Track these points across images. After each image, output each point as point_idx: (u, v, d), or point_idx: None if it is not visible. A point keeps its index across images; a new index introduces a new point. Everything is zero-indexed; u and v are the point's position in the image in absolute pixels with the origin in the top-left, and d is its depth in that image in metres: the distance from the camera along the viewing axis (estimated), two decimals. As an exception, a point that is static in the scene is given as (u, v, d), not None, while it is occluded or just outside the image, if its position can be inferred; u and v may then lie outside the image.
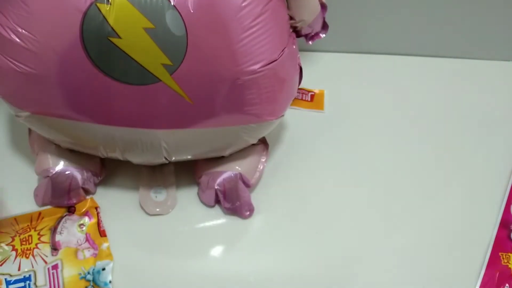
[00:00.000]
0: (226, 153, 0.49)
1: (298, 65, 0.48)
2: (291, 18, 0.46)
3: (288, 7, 0.46)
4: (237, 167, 0.50)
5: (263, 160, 0.52)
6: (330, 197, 0.53)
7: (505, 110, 0.63)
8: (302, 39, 0.51)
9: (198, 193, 0.52)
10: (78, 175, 0.48)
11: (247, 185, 0.50)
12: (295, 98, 0.50)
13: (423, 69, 0.68)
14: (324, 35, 0.52)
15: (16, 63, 0.40)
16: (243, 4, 0.39)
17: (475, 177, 0.56)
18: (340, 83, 0.65)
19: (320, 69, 0.66)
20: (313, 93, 0.64)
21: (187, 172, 0.52)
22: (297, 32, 0.49)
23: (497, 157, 0.58)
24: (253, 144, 0.50)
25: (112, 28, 0.37)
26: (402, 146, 0.58)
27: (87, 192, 0.50)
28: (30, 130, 0.51)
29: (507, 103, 0.64)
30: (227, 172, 0.49)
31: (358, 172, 0.56)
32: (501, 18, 0.67)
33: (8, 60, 0.40)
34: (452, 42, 0.69)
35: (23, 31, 0.38)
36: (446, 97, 0.65)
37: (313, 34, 0.51)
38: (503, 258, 0.48)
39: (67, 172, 0.48)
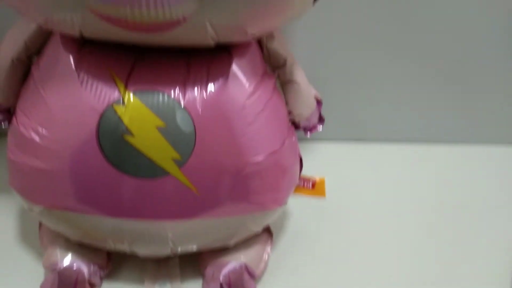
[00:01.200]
0: (231, 242, 0.50)
1: (298, 155, 0.51)
2: (289, 112, 0.50)
3: (287, 103, 0.50)
4: (242, 257, 0.50)
5: (268, 249, 0.52)
6: (337, 286, 0.52)
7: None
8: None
9: (203, 286, 0.51)
10: (85, 268, 0.48)
11: (252, 276, 0.50)
12: (297, 186, 0.52)
13: (422, 155, 0.71)
14: (321, 128, 0.56)
15: (33, 159, 0.42)
16: (246, 103, 0.43)
17: (478, 268, 0.55)
18: (340, 171, 0.67)
19: (319, 158, 0.69)
20: (314, 181, 0.66)
21: (192, 264, 0.52)
22: (295, 125, 0.52)
23: (499, 247, 0.57)
24: (258, 234, 0.51)
25: (126, 127, 0.40)
26: (404, 234, 0.59)
27: (92, 285, 0.50)
28: (40, 223, 0.52)
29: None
30: (232, 262, 0.49)
31: (362, 260, 0.55)
32: (502, 103, 0.71)
33: (26, 157, 0.43)
34: (452, 127, 0.73)
35: (43, 130, 0.42)
36: (450, 184, 0.66)
37: (310, 127, 0.55)
38: None
39: (74, 266, 0.48)
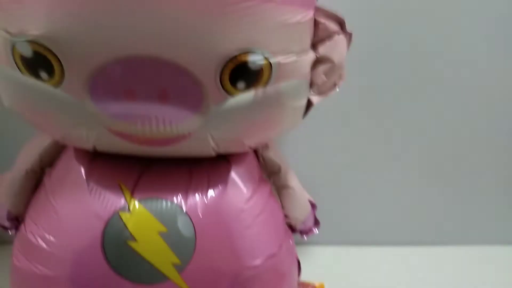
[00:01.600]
0: None
1: (296, 258, 0.52)
2: (286, 216, 0.53)
3: (283, 207, 0.53)
4: None
5: None
6: None
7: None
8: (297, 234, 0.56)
9: None
10: None
11: None
12: (296, 292, 0.52)
13: (421, 258, 0.71)
14: (317, 230, 0.57)
15: (38, 265, 0.43)
16: (244, 207, 0.45)
17: None
18: (339, 275, 0.67)
19: (317, 262, 0.69)
20: (313, 287, 0.65)
21: None
22: (292, 228, 0.54)
23: None
24: None
25: (130, 233, 0.42)
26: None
27: None
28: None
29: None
30: None
31: None
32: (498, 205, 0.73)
33: (31, 263, 0.44)
34: (448, 229, 0.74)
35: (51, 237, 0.43)
36: (449, 286, 0.66)
37: (306, 230, 0.57)
38: None
39: None
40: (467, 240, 0.75)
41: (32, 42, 0.35)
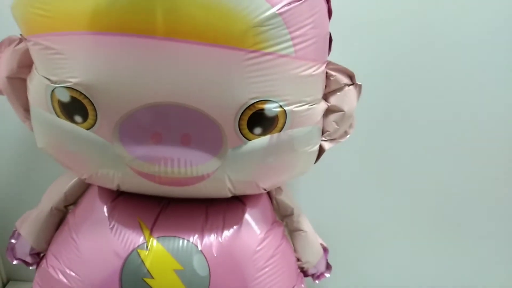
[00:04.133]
0: None
1: (308, 302, 0.52)
2: (298, 260, 0.54)
3: (295, 251, 0.54)
4: None
5: None
6: None
7: None
8: (309, 278, 0.57)
9: None
10: None
11: None
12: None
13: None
14: (328, 275, 0.58)
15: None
16: (258, 249, 0.47)
17: None
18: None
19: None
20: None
21: None
22: (304, 272, 0.55)
23: None
24: None
25: (147, 270, 0.44)
26: None
27: None
28: None
29: None
30: None
31: None
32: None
33: (51, 299, 0.45)
34: (456, 276, 0.74)
35: (71, 272, 0.45)
36: None
37: (318, 274, 0.57)
38: None
39: None
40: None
41: (70, 88, 0.38)
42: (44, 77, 0.40)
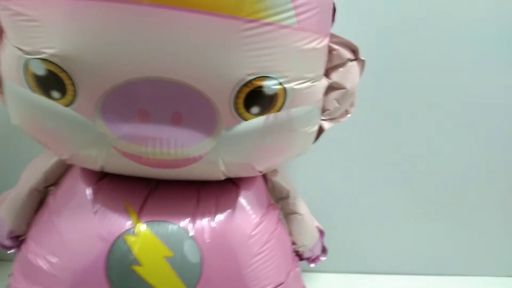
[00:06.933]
0: None
1: (303, 286, 0.51)
2: (293, 243, 0.52)
3: (290, 234, 0.52)
4: None
5: None
6: None
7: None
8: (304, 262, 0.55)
9: None
10: None
11: None
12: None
13: (426, 286, 0.70)
14: (324, 258, 0.56)
15: (36, 286, 0.42)
16: (252, 233, 0.44)
17: None
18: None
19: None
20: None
21: None
22: (299, 255, 0.53)
23: None
24: None
25: (135, 257, 0.41)
26: None
27: None
28: None
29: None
30: None
31: None
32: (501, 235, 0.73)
33: (30, 285, 0.42)
34: (452, 260, 0.73)
35: (53, 258, 0.42)
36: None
37: (314, 257, 0.55)
38: None
39: None
40: (471, 271, 0.74)
41: (46, 60, 0.34)
42: (16, 47, 0.36)
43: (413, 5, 0.61)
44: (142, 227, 0.42)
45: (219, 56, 0.34)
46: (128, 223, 0.42)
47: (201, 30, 0.33)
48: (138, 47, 0.33)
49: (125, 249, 0.41)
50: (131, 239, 0.42)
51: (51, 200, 0.46)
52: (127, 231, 0.42)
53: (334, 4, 0.40)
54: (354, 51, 0.43)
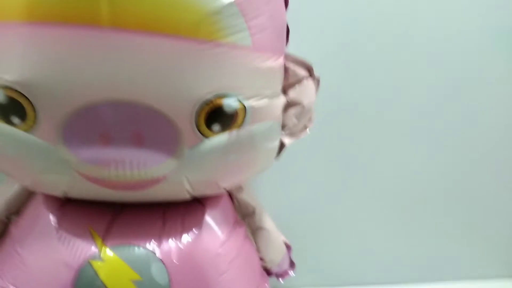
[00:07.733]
0: None
1: (273, 303, 0.51)
2: (261, 259, 0.52)
3: (258, 250, 0.52)
4: None
5: None
6: None
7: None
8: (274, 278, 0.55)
9: None
10: None
11: None
12: None
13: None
14: (292, 272, 0.57)
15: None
16: (219, 251, 0.45)
17: None
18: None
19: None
20: (290, 332, 0.64)
21: None
22: (267, 271, 0.54)
23: None
24: None
25: (102, 282, 0.40)
26: None
27: None
28: None
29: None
30: None
31: None
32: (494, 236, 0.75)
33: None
34: (424, 267, 0.75)
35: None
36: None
37: (282, 272, 0.56)
38: None
39: None
40: (446, 276, 0.76)
41: (5, 87, 0.35)
42: (-25, 75, 0.36)
43: (361, 22, 0.64)
44: (108, 251, 0.42)
45: (177, 77, 0.35)
46: (93, 248, 0.42)
47: (159, 52, 0.34)
48: (96, 71, 0.34)
49: (91, 275, 0.41)
50: (97, 264, 0.41)
51: (13, 229, 0.45)
52: (92, 256, 0.41)
53: (287, 25, 0.43)
54: (308, 69, 0.45)
